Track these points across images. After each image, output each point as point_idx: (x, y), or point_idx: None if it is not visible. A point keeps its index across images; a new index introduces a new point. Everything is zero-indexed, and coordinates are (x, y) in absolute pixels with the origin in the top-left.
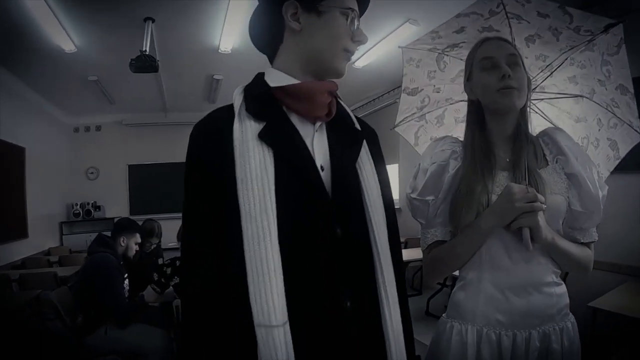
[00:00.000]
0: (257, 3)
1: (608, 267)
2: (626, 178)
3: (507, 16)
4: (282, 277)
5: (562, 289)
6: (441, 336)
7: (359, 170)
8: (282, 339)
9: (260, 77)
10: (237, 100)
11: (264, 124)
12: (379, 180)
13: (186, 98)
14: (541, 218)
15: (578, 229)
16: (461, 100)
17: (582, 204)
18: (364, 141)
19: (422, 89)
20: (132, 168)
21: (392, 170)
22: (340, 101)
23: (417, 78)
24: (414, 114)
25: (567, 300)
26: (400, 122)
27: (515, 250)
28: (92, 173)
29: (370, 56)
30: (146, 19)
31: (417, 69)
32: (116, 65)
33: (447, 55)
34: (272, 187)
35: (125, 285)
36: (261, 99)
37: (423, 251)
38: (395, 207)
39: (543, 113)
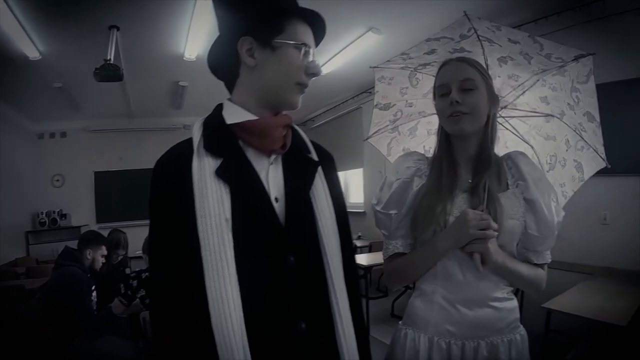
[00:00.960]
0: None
1: (565, 267)
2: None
3: (479, 38)
4: (240, 304)
5: (512, 304)
6: (396, 342)
7: (312, 199)
8: None
9: (218, 110)
10: (196, 135)
11: (221, 160)
12: (333, 195)
13: (152, 104)
14: (492, 244)
15: (532, 250)
16: (434, 113)
17: (538, 228)
18: (319, 168)
19: (395, 104)
20: (98, 175)
21: (357, 174)
22: (298, 130)
23: (389, 94)
24: (386, 126)
25: (517, 315)
26: (373, 134)
27: (468, 267)
28: (57, 180)
29: (334, 63)
30: (111, 27)
31: (389, 86)
32: (81, 71)
33: (420, 72)
34: (229, 222)
35: (93, 298)
36: (218, 135)
37: (384, 260)
38: (360, 211)
39: (515, 129)
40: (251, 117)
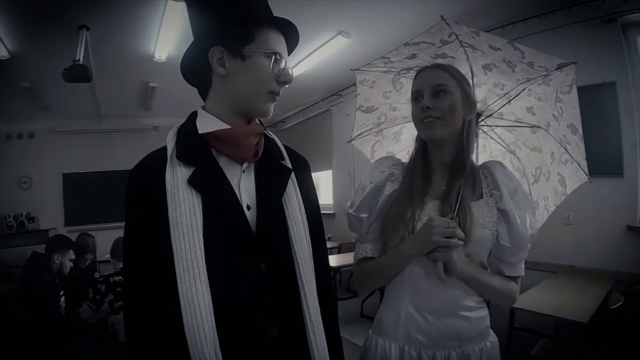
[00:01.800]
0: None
1: (529, 265)
2: None
3: (462, 44)
4: (212, 310)
5: (482, 312)
6: (367, 351)
7: (284, 206)
8: None
9: (192, 119)
10: (170, 144)
11: (193, 169)
12: (306, 200)
13: (121, 105)
14: (456, 253)
15: (505, 262)
16: None
17: (511, 239)
18: (292, 175)
19: (378, 107)
20: (66, 176)
21: (326, 176)
22: (272, 136)
23: (372, 97)
24: (370, 129)
25: (487, 323)
26: (357, 136)
27: (435, 275)
28: (25, 182)
29: (304, 66)
30: (80, 27)
31: (372, 89)
32: (50, 71)
33: (403, 77)
34: (201, 230)
35: (61, 303)
36: (191, 144)
37: (355, 263)
38: (330, 212)
39: (501, 139)
40: (224, 126)
